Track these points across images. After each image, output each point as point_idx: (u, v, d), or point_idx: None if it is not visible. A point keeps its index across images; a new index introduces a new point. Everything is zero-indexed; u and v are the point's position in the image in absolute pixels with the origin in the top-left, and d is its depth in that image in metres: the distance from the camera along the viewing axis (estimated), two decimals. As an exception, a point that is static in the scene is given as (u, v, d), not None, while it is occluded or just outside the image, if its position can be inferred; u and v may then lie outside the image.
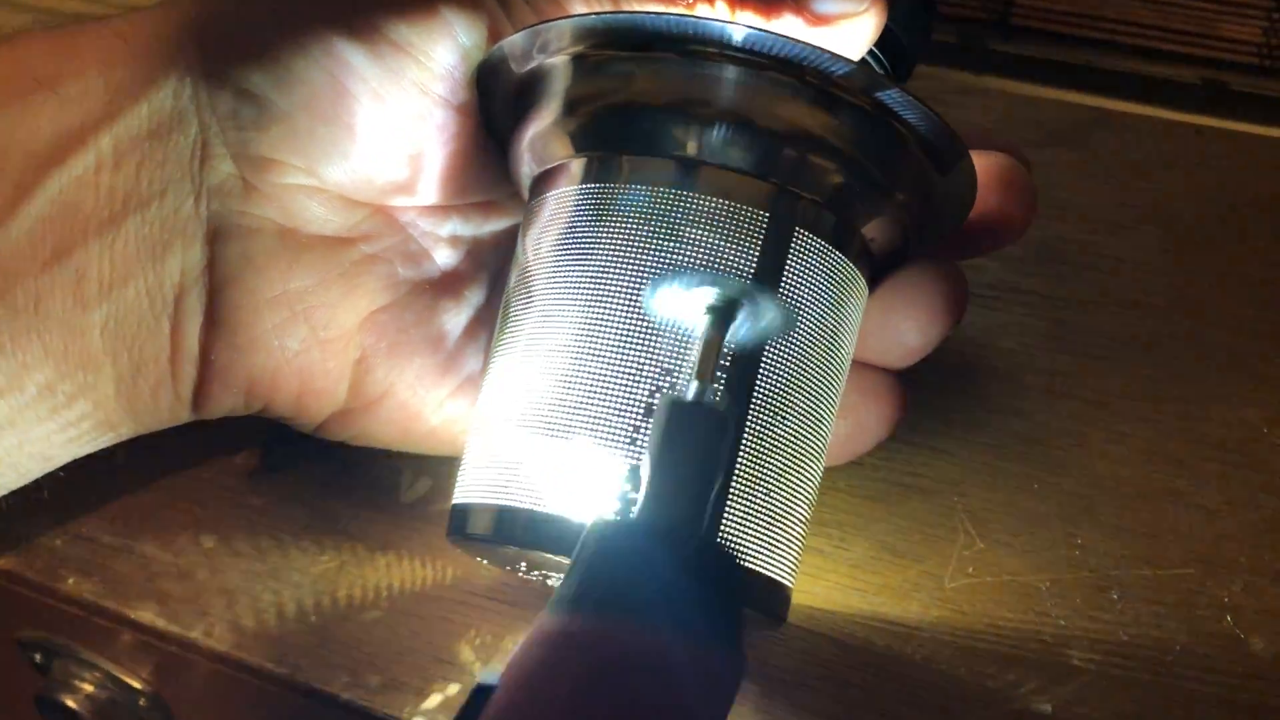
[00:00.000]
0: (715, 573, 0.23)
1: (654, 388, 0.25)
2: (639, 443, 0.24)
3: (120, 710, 0.34)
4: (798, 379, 0.26)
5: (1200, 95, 0.44)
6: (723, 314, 0.24)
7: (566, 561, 0.26)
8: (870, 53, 0.30)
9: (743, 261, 0.25)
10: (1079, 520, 0.32)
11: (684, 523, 0.20)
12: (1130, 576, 0.31)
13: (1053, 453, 0.33)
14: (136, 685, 0.34)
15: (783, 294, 0.26)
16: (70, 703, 0.34)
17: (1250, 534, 0.31)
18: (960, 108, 0.44)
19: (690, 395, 0.22)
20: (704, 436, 0.21)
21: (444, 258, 0.32)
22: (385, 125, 0.28)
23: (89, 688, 0.34)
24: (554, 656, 0.19)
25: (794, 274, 0.26)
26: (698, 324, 0.24)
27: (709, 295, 0.24)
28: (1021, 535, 0.32)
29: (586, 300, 0.25)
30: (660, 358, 0.25)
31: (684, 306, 0.24)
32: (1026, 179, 0.30)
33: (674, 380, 0.24)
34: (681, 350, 0.25)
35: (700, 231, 0.25)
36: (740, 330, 0.24)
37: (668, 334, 0.25)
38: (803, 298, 0.26)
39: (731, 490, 0.25)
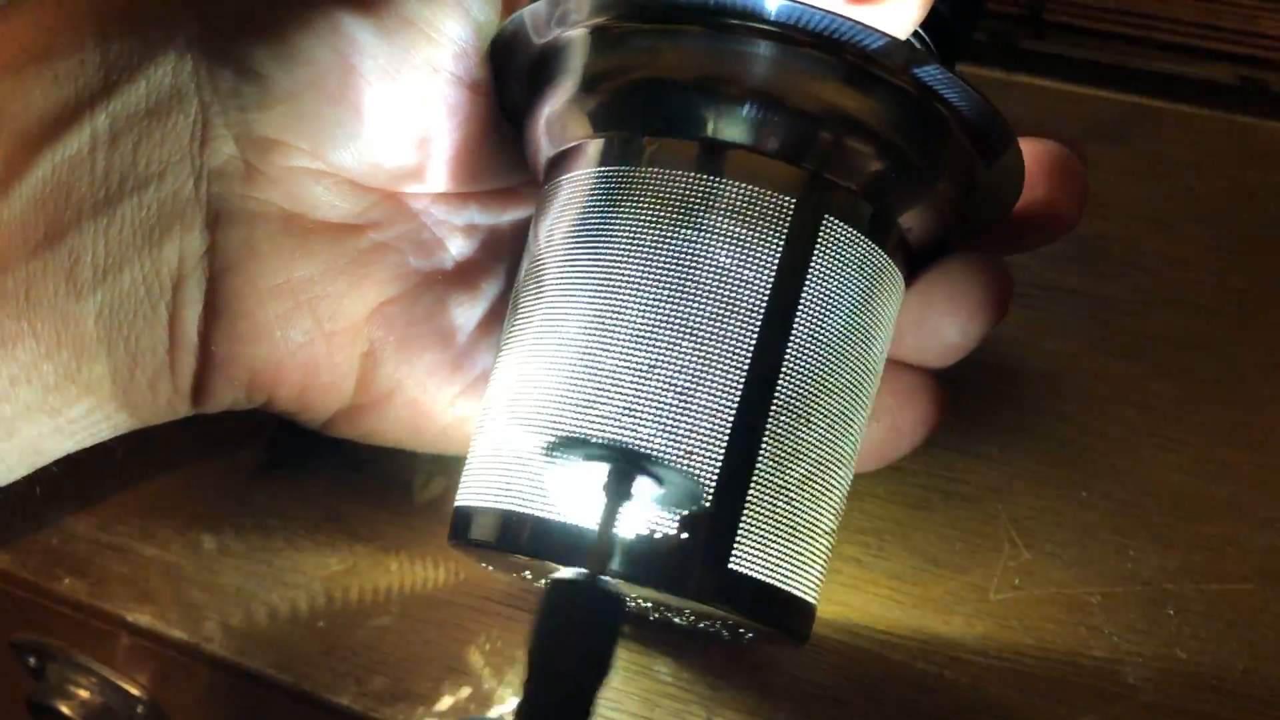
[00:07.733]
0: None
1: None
2: None
3: (116, 717, 0.33)
4: (825, 379, 0.24)
5: (1239, 94, 0.42)
6: (619, 485, 0.21)
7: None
8: (915, 34, 0.28)
9: (766, 250, 0.23)
10: (1131, 530, 0.30)
11: None
12: (1187, 591, 0.29)
13: (1101, 459, 0.32)
14: (134, 691, 0.33)
15: (809, 286, 0.24)
16: (64, 708, 0.33)
17: (1315, 548, 0.29)
18: (996, 101, 0.42)
19: (579, 575, 0.19)
20: (593, 624, 0.19)
21: (459, 247, 0.30)
22: (395, 105, 0.27)
23: (84, 693, 0.33)
24: None
25: (823, 265, 0.24)
26: (596, 496, 0.21)
27: (603, 468, 0.21)
28: (1070, 546, 0.30)
29: (598, 291, 0.24)
30: (675, 354, 0.23)
31: (582, 476, 0.22)
32: (1079, 169, 0.28)
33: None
34: (707, 341, 0.23)
35: (722, 219, 0.24)
36: (644, 502, 0.22)
37: (684, 327, 0.23)
38: (832, 291, 0.24)
39: (749, 499, 0.23)
